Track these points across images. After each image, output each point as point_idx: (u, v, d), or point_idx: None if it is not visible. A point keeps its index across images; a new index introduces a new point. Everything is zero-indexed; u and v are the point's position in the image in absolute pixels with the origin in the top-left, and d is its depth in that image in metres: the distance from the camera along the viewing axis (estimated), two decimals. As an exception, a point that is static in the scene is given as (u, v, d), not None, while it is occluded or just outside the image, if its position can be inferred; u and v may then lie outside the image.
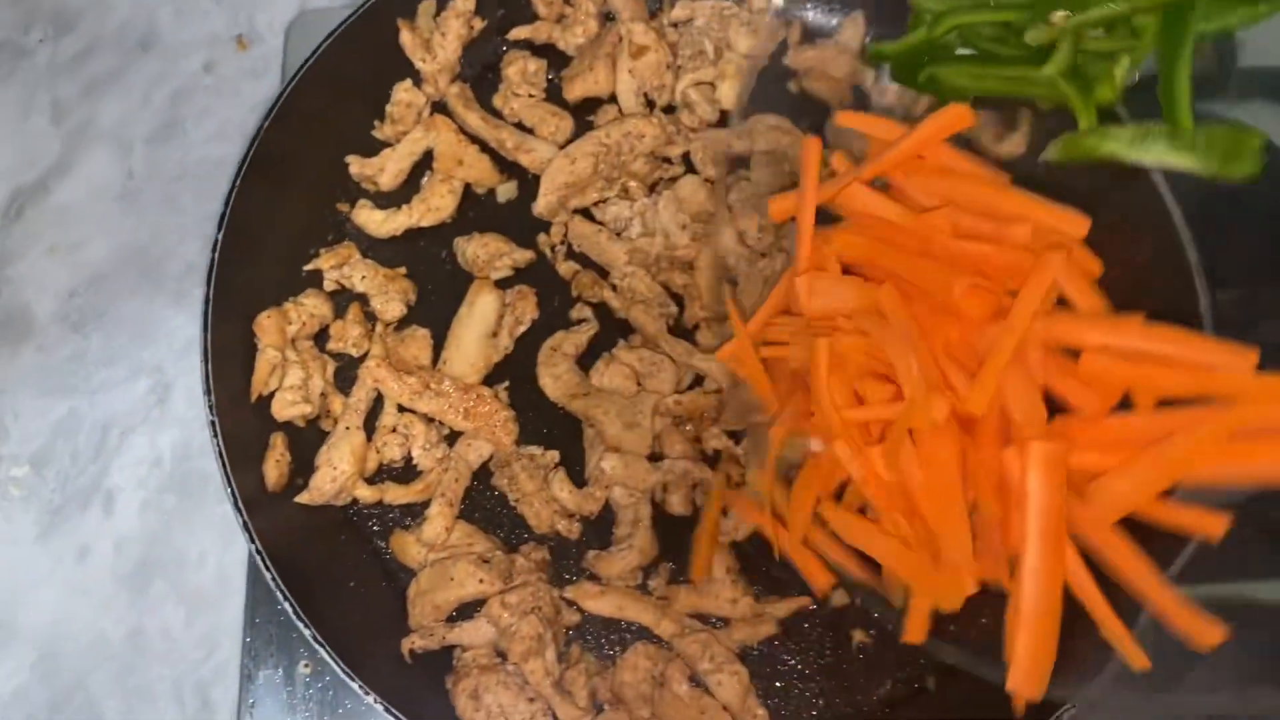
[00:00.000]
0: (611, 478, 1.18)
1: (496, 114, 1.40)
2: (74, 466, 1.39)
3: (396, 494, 1.21)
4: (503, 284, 1.33)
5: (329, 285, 1.30)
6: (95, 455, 1.39)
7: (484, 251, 1.31)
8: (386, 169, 1.34)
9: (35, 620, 1.31)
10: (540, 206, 1.32)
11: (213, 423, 1.09)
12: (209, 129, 1.57)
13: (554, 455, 1.25)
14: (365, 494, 1.21)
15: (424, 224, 1.34)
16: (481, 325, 1.28)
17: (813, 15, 1.46)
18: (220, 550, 1.34)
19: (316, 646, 1.03)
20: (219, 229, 1.16)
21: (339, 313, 1.31)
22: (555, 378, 1.28)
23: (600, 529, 1.23)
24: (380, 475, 1.25)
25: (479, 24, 1.41)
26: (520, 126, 1.39)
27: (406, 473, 1.26)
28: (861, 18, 1.39)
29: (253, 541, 1.05)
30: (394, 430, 1.24)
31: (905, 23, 1.39)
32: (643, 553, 1.17)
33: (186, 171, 1.54)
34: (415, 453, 1.24)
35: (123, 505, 1.37)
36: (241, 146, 1.21)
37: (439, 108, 1.40)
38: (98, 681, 1.29)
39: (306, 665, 1.24)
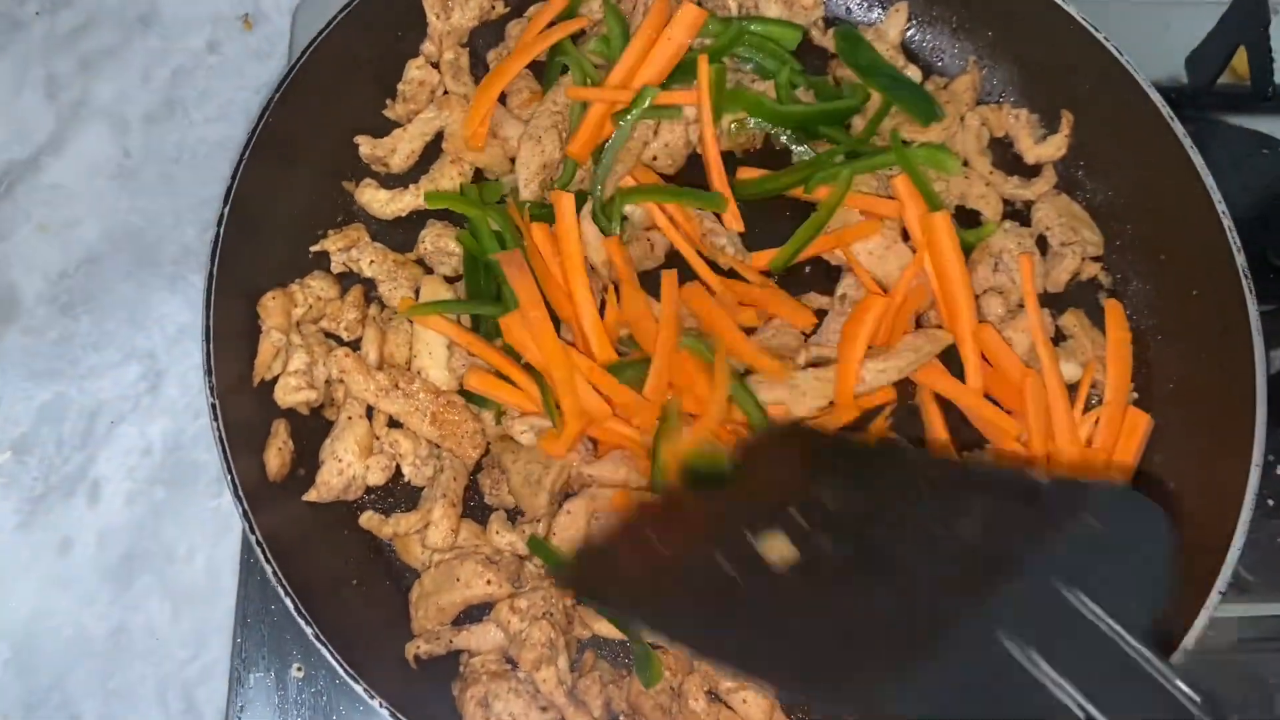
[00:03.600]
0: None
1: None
2: (59, 454, 1.33)
3: (410, 522, 1.15)
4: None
5: (336, 268, 1.25)
6: (82, 443, 1.33)
7: (436, 244, 1.26)
8: (398, 150, 1.29)
9: (12, 614, 1.25)
10: (525, 195, 1.27)
11: (213, 405, 1.03)
12: (210, 110, 1.52)
13: None
14: (378, 529, 1.15)
15: (431, 207, 1.28)
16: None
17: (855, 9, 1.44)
18: (210, 545, 1.28)
19: (318, 646, 0.97)
20: (224, 204, 1.11)
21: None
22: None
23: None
24: (385, 496, 1.20)
25: (501, 8, 1.36)
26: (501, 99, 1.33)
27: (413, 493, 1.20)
28: (905, 8, 1.36)
29: (253, 532, 0.99)
30: (376, 452, 1.17)
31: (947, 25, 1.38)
32: None
33: (185, 153, 1.49)
34: (406, 470, 1.18)
35: (109, 496, 1.31)
36: (244, 128, 1.16)
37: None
38: (77, 680, 1.23)
39: (299, 669, 1.18)
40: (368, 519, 1.16)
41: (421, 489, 1.19)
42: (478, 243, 1.22)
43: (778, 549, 0.85)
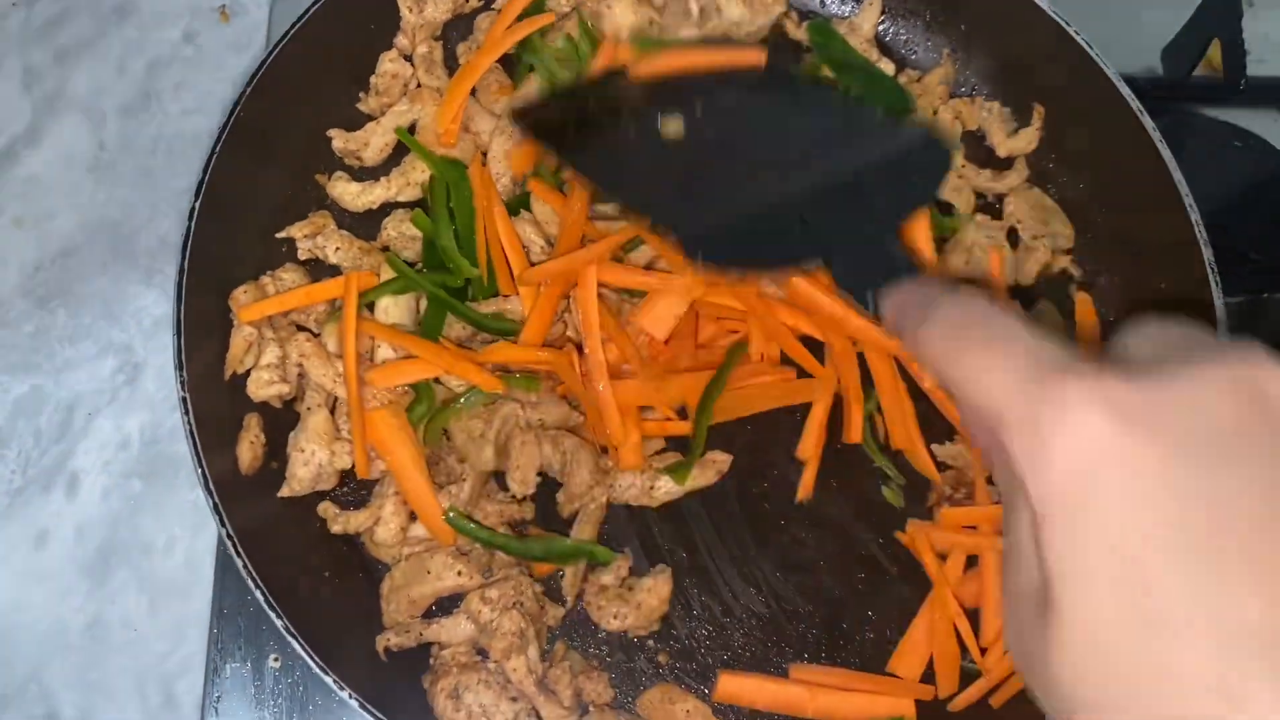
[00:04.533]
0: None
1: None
2: (36, 447, 1.33)
3: (359, 520, 1.14)
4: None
5: (303, 254, 1.24)
6: (59, 436, 1.33)
7: (398, 229, 1.26)
8: (371, 143, 1.28)
9: (-12, 607, 1.25)
10: (500, 186, 1.26)
11: (184, 399, 1.03)
12: (187, 101, 1.51)
13: None
14: (331, 521, 1.14)
15: (402, 199, 1.28)
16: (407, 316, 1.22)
17: (830, 2, 1.44)
18: (189, 538, 1.29)
19: (289, 638, 0.97)
20: (195, 197, 1.11)
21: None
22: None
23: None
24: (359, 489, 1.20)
25: (474, 2, 1.36)
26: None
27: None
28: (879, 2, 1.36)
29: (223, 525, 1.00)
30: (339, 438, 1.16)
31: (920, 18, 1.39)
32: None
33: (161, 145, 1.49)
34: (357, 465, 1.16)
35: (87, 489, 1.31)
36: (221, 120, 1.15)
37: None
38: (54, 673, 1.23)
39: (275, 659, 1.19)
40: (324, 508, 1.15)
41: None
42: (434, 224, 1.23)
43: (672, 127, 1.02)
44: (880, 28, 1.39)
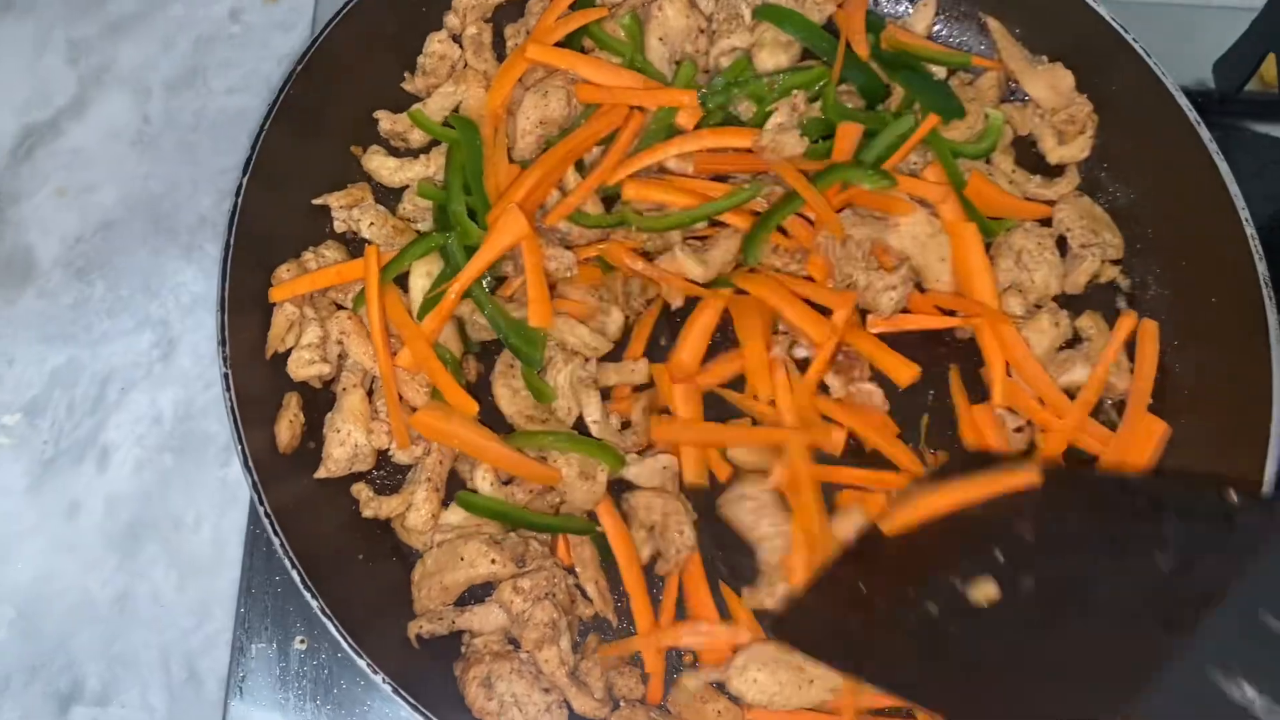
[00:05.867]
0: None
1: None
2: (69, 419, 1.33)
3: (392, 505, 1.14)
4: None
5: (339, 226, 1.24)
6: (93, 408, 1.33)
7: (415, 201, 1.26)
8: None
9: (17, 576, 1.25)
10: (520, 147, 1.26)
11: (225, 375, 1.03)
12: (231, 79, 1.51)
13: None
14: (365, 504, 1.15)
15: (440, 178, 1.28)
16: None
17: (884, 1, 1.42)
18: (217, 515, 1.28)
19: (324, 620, 0.96)
20: (243, 174, 1.11)
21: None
22: (514, 391, 1.18)
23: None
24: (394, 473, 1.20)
25: None
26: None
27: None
28: (934, 2, 1.34)
29: (263, 504, 0.99)
30: (374, 419, 1.15)
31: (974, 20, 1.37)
32: None
33: (204, 121, 1.49)
34: (393, 448, 1.16)
35: (118, 462, 1.31)
36: (264, 99, 1.15)
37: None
38: (80, 644, 1.23)
39: (302, 641, 1.19)
40: (358, 489, 1.15)
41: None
42: (446, 191, 1.23)
43: (984, 592, 0.86)
44: (934, 29, 1.38)
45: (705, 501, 1.16)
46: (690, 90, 1.26)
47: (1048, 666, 0.80)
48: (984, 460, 1.12)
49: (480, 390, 1.20)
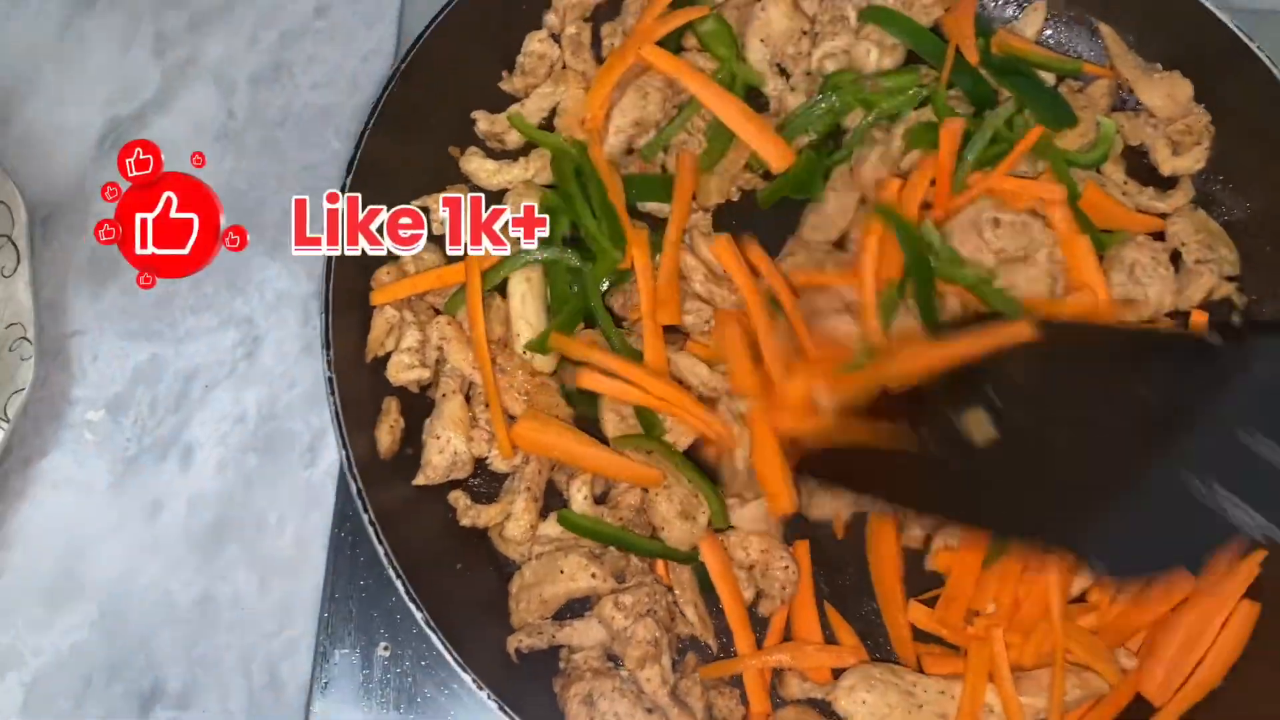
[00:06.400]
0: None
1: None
2: (152, 416, 1.31)
3: (490, 514, 1.12)
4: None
5: (436, 229, 1.21)
6: (176, 406, 1.31)
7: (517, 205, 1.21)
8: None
9: (100, 574, 1.24)
10: (610, 143, 1.23)
11: (330, 379, 1.01)
12: (316, 75, 1.49)
13: None
14: (462, 513, 1.13)
15: (539, 181, 1.25)
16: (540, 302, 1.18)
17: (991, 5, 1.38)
18: (300, 517, 1.26)
19: (428, 631, 0.94)
20: (347, 174, 1.09)
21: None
22: (621, 418, 1.14)
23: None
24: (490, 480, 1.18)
25: None
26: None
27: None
28: (1043, 7, 1.30)
29: (366, 511, 0.97)
30: (475, 427, 1.14)
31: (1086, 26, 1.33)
32: None
33: (289, 117, 1.46)
34: (491, 456, 1.14)
35: (200, 461, 1.29)
36: (349, 95, 1.13)
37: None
38: (161, 646, 1.21)
39: (385, 648, 1.16)
40: (455, 496, 1.13)
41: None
42: (568, 204, 1.20)
43: (979, 427, 0.95)
44: (1044, 34, 1.34)
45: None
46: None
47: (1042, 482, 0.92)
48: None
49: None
